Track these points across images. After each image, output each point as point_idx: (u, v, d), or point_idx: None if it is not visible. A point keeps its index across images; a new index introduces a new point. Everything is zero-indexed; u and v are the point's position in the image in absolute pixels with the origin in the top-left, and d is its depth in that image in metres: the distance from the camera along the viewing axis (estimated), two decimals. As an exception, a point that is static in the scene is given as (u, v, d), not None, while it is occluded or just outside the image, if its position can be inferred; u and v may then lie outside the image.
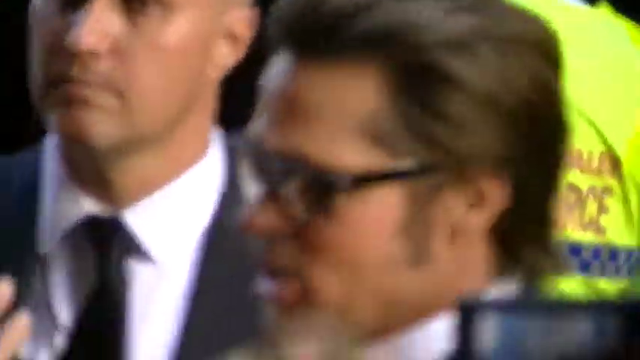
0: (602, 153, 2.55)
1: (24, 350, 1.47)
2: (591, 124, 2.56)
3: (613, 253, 2.54)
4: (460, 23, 1.05)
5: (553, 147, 1.11)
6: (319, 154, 1.05)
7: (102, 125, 1.54)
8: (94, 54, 1.52)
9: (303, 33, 1.07)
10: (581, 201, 2.50)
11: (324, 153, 1.05)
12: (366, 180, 1.05)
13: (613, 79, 2.54)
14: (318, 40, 1.06)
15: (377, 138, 1.05)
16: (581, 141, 2.49)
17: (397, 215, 1.06)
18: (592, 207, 2.54)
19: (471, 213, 1.06)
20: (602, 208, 2.55)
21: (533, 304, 0.65)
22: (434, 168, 1.05)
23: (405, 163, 1.05)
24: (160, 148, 1.61)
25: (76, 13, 1.52)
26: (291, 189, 1.06)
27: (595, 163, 2.56)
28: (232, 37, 1.61)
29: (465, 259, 1.08)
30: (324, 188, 1.05)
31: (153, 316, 1.61)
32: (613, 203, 2.56)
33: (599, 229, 2.54)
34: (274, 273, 1.08)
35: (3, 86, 3.63)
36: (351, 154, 1.05)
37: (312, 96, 1.07)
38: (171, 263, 1.62)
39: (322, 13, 1.05)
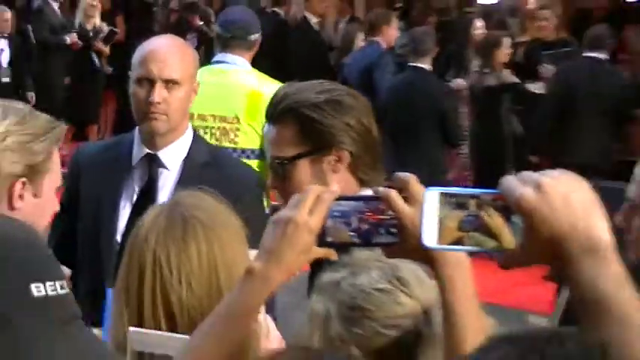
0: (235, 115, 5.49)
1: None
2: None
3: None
4: (314, 98, 2.86)
5: (368, 142, 2.87)
6: (282, 155, 2.87)
7: (160, 126, 3.72)
8: (158, 103, 3.67)
9: (269, 113, 2.97)
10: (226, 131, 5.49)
11: (283, 155, 2.87)
12: (293, 159, 2.83)
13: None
14: (273, 115, 2.92)
15: (298, 146, 2.84)
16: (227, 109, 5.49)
17: (310, 172, 2.82)
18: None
19: (328, 167, 2.85)
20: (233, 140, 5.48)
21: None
22: (318, 151, 2.82)
23: (302, 150, 2.83)
24: (173, 131, 3.80)
25: (150, 91, 3.67)
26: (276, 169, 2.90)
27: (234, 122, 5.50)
28: (195, 91, 3.88)
29: (344, 182, 2.77)
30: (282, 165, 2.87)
31: (165, 189, 3.76)
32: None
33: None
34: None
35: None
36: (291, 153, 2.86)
37: (278, 137, 2.91)
38: (173, 170, 3.80)
39: (272, 104, 2.94)
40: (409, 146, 8.53)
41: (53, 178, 2.80)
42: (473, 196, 1.66)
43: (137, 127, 3.79)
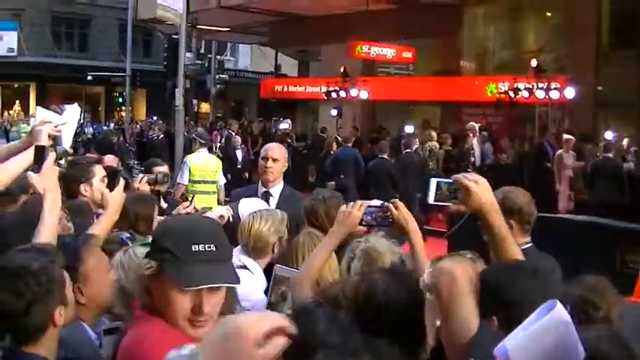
0: None
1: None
2: None
3: None
4: None
5: None
6: None
7: (270, 178, 6.41)
8: (269, 167, 6.38)
9: None
10: None
11: None
12: None
13: None
14: None
15: None
16: None
17: None
18: None
19: None
20: None
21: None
22: None
23: None
24: (275, 182, 6.47)
25: (266, 162, 6.48)
26: None
27: None
28: (286, 165, 6.70)
29: None
30: None
31: (272, 206, 5.98)
32: None
33: None
34: None
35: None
36: None
37: None
38: (275, 197, 6.37)
39: None
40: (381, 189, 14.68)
41: (286, 235, 4.69)
42: (446, 182, 3.03)
43: (260, 180, 6.57)
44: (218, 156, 20.30)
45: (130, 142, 25.22)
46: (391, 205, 3.45)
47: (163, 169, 7.36)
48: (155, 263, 2.45)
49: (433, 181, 3.05)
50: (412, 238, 3.44)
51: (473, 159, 19.62)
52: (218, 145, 21.55)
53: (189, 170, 11.50)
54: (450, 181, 3.03)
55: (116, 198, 4.24)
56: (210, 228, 2.56)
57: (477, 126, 20.72)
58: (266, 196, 6.44)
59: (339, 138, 21.96)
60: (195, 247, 2.41)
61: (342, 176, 16.97)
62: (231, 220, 5.12)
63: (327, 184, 16.54)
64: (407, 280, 2.92)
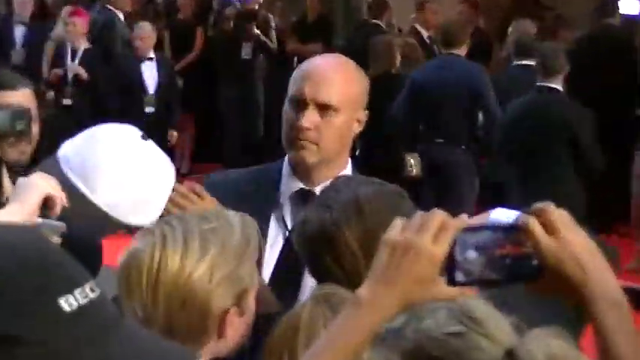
0: None
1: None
2: None
3: None
4: None
5: None
6: None
7: (309, 156, 4.72)
8: (308, 129, 4.66)
9: None
10: None
11: None
12: None
13: None
14: None
15: None
16: None
17: None
18: None
19: None
20: None
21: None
22: None
23: None
24: (329, 165, 4.80)
25: (300, 114, 4.71)
26: None
27: None
28: (359, 121, 4.91)
29: None
30: None
31: None
32: None
33: None
34: None
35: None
36: None
37: None
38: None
39: None
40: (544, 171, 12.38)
41: (255, 286, 3.79)
42: None
43: (286, 157, 4.97)
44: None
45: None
46: (531, 221, 2.61)
47: (17, 96, 5.80)
48: None
49: None
50: (603, 315, 2.60)
51: None
52: (82, 49, 17.45)
53: None
54: None
55: None
56: (54, 250, 2.23)
57: None
58: (304, 200, 4.98)
59: (425, 34, 18.70)
60: (65, 303, 2.02)
61: (441, 140, 14.01)
62: (64, 202, 4.34)
63: (405, 158, 14.17)
64: None
